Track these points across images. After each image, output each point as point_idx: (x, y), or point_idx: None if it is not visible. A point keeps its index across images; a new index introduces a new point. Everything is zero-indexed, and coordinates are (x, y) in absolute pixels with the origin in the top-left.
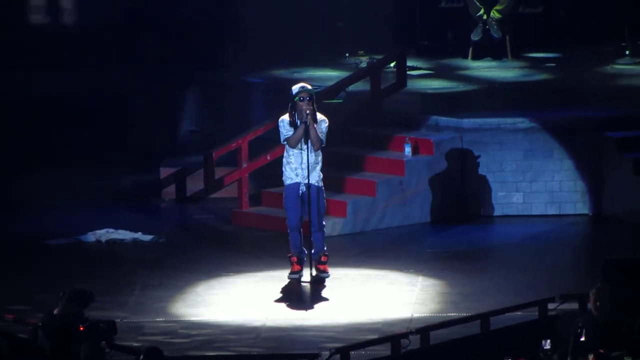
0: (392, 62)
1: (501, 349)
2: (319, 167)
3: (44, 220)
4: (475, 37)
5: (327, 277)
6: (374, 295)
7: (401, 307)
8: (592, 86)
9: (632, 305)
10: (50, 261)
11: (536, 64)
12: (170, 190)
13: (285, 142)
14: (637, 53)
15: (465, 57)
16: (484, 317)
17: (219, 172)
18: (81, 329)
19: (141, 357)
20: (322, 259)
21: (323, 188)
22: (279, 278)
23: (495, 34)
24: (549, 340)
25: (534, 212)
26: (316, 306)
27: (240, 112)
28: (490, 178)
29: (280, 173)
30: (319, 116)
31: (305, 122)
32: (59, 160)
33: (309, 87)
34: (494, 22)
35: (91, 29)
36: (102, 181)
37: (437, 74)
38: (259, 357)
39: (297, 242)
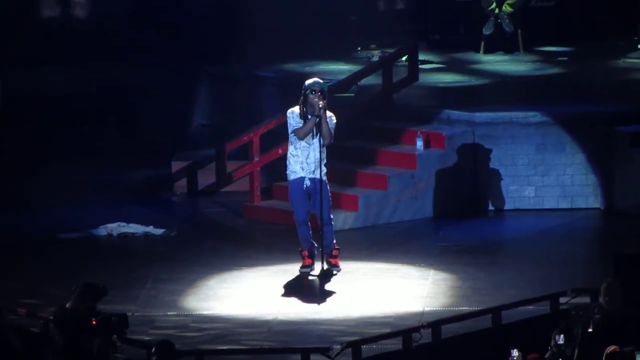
0: (404, 55)
1: (512, 342)
2: (324, 163)
3: (56, 215)
4: (487, 30)
5: (339, 271)
6: (386, 289)
7: (413, 301)
8: (603, 80)
9: None
10: (62, 255)
11: (548, 58)
12: (181, 184)
13: (293, 134)
14: None
15: (477, 51)
16: (495, 311)
17: (231, 166)
18: (94, 322)
19: (153, 350)
20: (334, 252)
21: (327, 182)
22: (291, 272)
23: (507, 27)
24: (562, 335)
25: (546, 206)
26: (328, 300)
27: (251, 106)
28: (502, 172)
29: (285, 167)
30: (328, 112)
31: (319, 116)
32: (71, 156)
33: (320, 80)
34: (505, 16)
35: (101, 23)
36: (113, 176)
37: (449, 67)
38: (271, 350)
39: (307, 235)
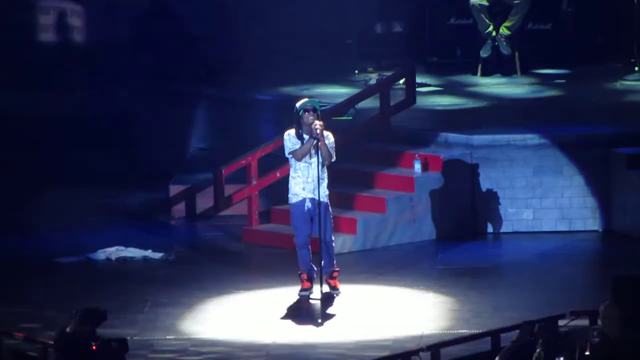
0: (402, 78)
1: None
2: (325, 183)
3: (55, 238)
4: (484, 53)
5: (338, 293)
6: (385, 312)
7: (412, 324)
8: (601, 102)
9: None
10: (61, 279)
11: (545, 81)
12: (180, 208)
13: (291, 156)
14: None
15: (475, 73)
16: (494, 334)
17: (229, 190)
18: (93, 347)
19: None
20: (334, 274)
21: (329, 204)
22: (290, 295)
23: (505, 50)
24: (562, 358)
25: (545, 229)
26: (326, 323)
27: (249, 129)
28: (500, 194)
29: (286, 190)
30: (325, 132)
31: (317, 139)
32: (68, 179)
33: (314, 101)
34: (503, 39)
35: (99, 47)
36: (111, 199)
37: (447, 90)
38: None
39: (307, 259)
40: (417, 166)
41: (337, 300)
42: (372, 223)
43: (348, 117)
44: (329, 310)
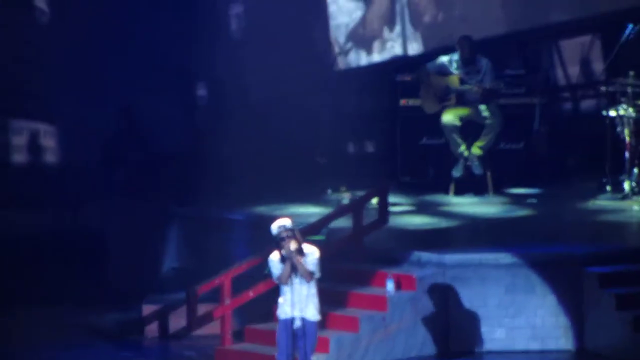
0: (374, 198)
1: None
2: (314, 300)
3: (28, 359)
4: (456, 173)
5: None
6: None
7: None
8: (573, 222)
9: None
10: None
11: (518, 200)
12: (153, 328)
13: (278, 280)
14: (617, 189)
15: (447, 193)
16: None
17: (202, 309)
18: None
19: None
20: None
21: (318, 321)
22: None
23: (477, 170)
24: None
25: (517, 347)
26: None
27: (222, 249)
28: (473, 313)
29: (261, 309)
30: (308, 248)
31: (290, 258)
32: (40, 299)
33: (287, 221)
34: (475, 158)
35: (70, 166)
36: (84, 318)
37: (419, 210)
38: None
39: None
40: (390, 285)
41: None
42: (345, 342)
43: (321, 237)
44: None
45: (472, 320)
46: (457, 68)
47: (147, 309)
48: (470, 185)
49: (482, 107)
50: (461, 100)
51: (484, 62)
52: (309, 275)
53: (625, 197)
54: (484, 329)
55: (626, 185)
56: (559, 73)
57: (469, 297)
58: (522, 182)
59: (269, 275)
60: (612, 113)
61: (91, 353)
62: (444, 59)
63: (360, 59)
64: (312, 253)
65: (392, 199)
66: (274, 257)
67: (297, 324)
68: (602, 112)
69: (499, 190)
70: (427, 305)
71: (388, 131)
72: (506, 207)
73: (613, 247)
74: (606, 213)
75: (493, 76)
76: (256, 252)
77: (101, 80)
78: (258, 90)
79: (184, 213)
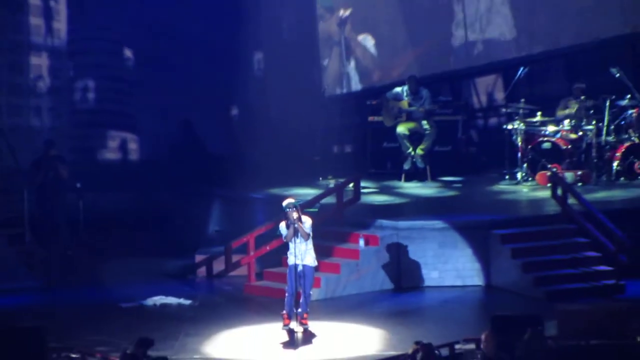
0: (351, 183)
1: None
2: (311, 252)
3: (118, 291)
4: (406, 166)
5: (307, 328)
6: (340, 339)
7: (357, 347)
8: (483, 199)
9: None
10: (123, 318)
11: (447, 185)
12: (202, 270)
13: (285, 239)
14: (513, 178)
15: (400, 180)
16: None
17: (235, 258)
18: None
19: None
20: (305, 315)
21: (316, 266)
22: (275, 328)
23: (420, 164)
24: None
25: (446, 284)
26: (300, 347)
27: (248, 217)
28: (417, 261)
29: (277, 258)
30: (305, 218)
31: (293, 224)
32: (126, 252)
33: (293, 200)
34: (418, 157)
35: (147, 163)
36: (157, 265)
37: (381, 191)
38: None
39: (291, 304)
40: (361, 242)
41: (307, 332)
42: (331, 280)
43: (315, 209)
44: (302, 338)
45: (416, 266)
46: (407, 96)
47: (198, 258)
48: (415, 175)
49: (424, 122)
50: (409, 117)
51: (425, 92)
52: (306, 235)
53: (518, 183)
54: (424, 272)
55: (519, 175)
56: (475, 100)
57: (414, 251)
58: (449, 172)
59: (279, 235)
60: (509, 126)
61: (162, 287)
62: (397, 89)
63: (339, 90)
64: (307, 220)
65: (363, 184)
66: (282, 223)
67: (300, 268)
68: (503, 126)
69: (434, 178)
70: (386, 256)
71: (361, 138)
72: (439, 189)
73: (510, 216)
74: (505, 194)
75: (430, 101)
76: (270, 220)
77: (169, 104)
78: (274, 110)
79: (223, 193)
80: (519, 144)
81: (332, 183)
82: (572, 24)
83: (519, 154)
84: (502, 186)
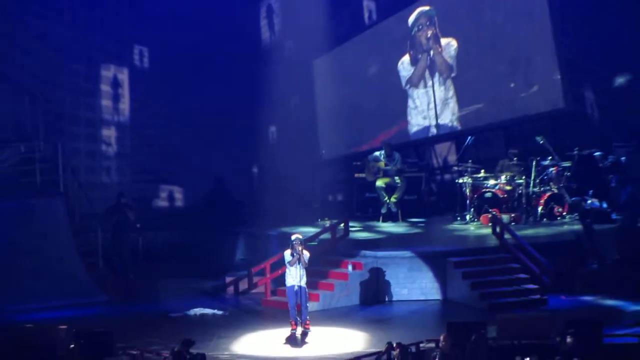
0: (342, 224)
1: None
2: (305, 277)
3: (169, 304)
4: (383, 210)
5: (309, 331)
6: (333, 340)
7: (345, 345)
8: (441, 235)
9: (462, 345)
10: (172, 324)
11: (414, 224)
12: (231, 288)
13: (288, 264)
14: (463, 219)
15: (378, 221)
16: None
17: (255, 279)
18: (188, 358)
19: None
20: (307, 321)
21: (307, 287)
22: (285, 332)
23: (393, 209)
24: None
25: (413, 298)
26: (304, 346)
27: (264, 249)
28: (391, 281)
29: (284, 279)
30: (305, 251)
31: (298, 254)
32: (174, 274)
33: (300, 236)
34: (392, 203)
35: (189, 209)
36: (196, 284)
37: (365, 229)
38: None
39: (294, 314)
40: (350, 267)
41: (309, 335)
42: (327, 296)
43: (315, 242)
44: (306, 340)
45: (390, 285)
46: (384, 158)
47: (228, 279)
48: (390, 217)
49: (396, 178)
50: (385, 174)
51: (397, 155)
52: (305, 264)
53: (467, 223)
54: (396, 289)
55: (467, 217)
56: (434, 161)
57: (389, 273)
58: (416, 215)
59: (284, 261)
60: (460, 181)
61: (201, 301)
62: (376, 153)
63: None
64: (307, 253)
65: (351, 224)
66: (287, 251)
67: (296, 288)
68: (455, 180)
69: (404, 219)
70: (368, 278)
71: (349, 189)
72: (409, 228)
73: (461, 248)
74: (458, 231)
75: (401, 162)
76: (282, 251)
77: (205, 164)
78: (283, 169)
79: (246, 231)
80: (468, 193)
81: (327, 223)
82: (508, 104)
83: (468, 201)
84: (455, 225)
